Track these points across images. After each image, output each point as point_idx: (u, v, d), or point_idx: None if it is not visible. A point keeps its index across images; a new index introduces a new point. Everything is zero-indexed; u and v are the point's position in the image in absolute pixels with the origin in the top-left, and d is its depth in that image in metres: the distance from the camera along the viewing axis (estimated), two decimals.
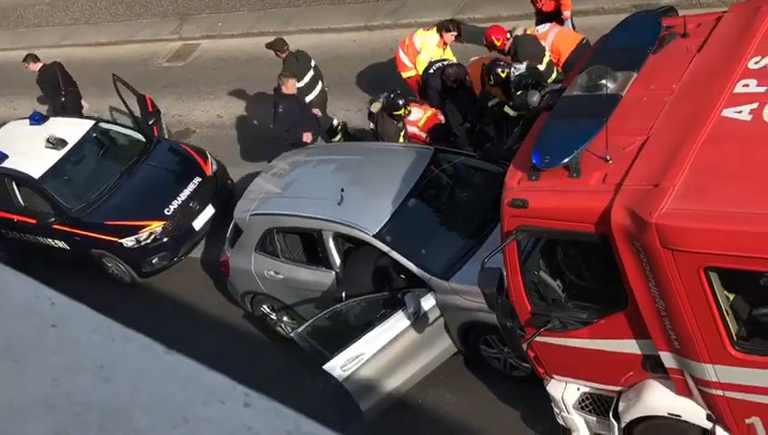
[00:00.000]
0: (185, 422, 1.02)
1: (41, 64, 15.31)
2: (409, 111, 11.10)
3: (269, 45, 13.19)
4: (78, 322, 1.14)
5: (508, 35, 11.11)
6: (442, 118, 11.19)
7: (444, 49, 11.96)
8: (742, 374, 6.00)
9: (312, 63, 12.79)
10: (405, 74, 12.26)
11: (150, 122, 13.92)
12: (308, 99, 12.45)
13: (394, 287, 9.22)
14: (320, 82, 12.76)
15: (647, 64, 6.63)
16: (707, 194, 5.59)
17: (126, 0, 21.33)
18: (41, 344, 1.12)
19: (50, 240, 13.05)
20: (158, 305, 11.99)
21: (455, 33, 11.90)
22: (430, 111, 11.22)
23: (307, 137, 11.78)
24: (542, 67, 10.59)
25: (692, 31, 6.84)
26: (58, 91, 15.11)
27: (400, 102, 10.90)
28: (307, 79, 12.54)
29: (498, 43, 11.08)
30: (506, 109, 10.39)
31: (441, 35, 11.92)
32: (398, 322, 8.83)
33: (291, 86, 11.90)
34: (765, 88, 5.99)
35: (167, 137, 14.20)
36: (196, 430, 1.02)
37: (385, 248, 9.19)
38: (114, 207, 12.62)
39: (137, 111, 14.13)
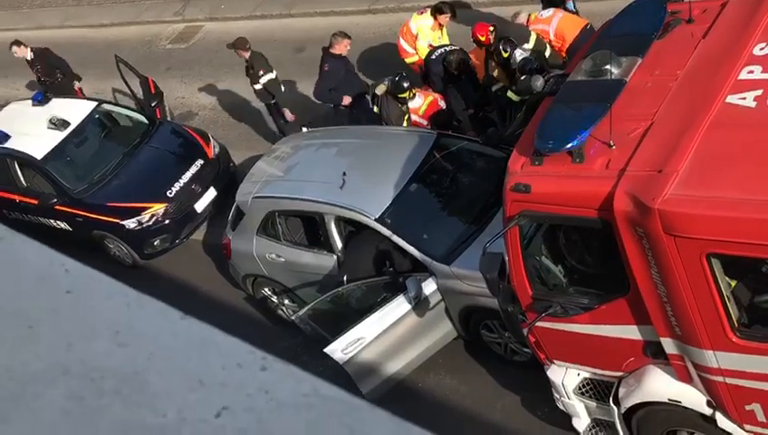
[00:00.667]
0: (201, 386, 1.03)
1: (29, 49, 15.16)
2: (414, 94, 11.06)
3: (230, 45, 13.19)
4: (92, 288, 1.15)
5: (491, 29, 11.13)
6: (443, 104, 11.16)
7: (439, 31, 11.96)
8: (742, 361, 6.01)
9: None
10: (407, 60, 12.27)
11: (153, 104, 13.90)
12: (275, 98, 12.63)
13: (395, 271, 9.23)
14: (281, 86, 12.86)
15: (651, 50, 6.61)
16: (710, 180, 5.59)
17: None
18: (55, 311, 1.12)
19: (52, 221, 13.06)
20: (159, 287, 11.97)
21: (448, 15, 11.91)
22: (430, 97, 11.18)
23: (346, 100, 11.74)
24: (529, 46, 10.57)
25: (697, 17, 6.82)
26: (53, 75, 15.03)
27: (405, 85, 10.85)
28: (268, 77, 12.58)
29: (483, 39, 11.11)
30: (510, 93, 10.37)
31: (435, 18, 11.93)
32: (399, 306, 8.84)
33: (342, 47, 11.75)
34: None
35: (169, 119, 14.19)
36: (213, 393, 1.02)
37: (387, 232, 9.19)
38: (116, 189, 12.63)
39: (139, 93, 14.12)
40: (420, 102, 11.13)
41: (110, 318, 1.11)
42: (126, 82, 14.10)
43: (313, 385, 1.02)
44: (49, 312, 1.12)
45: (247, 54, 12.67)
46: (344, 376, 8.97)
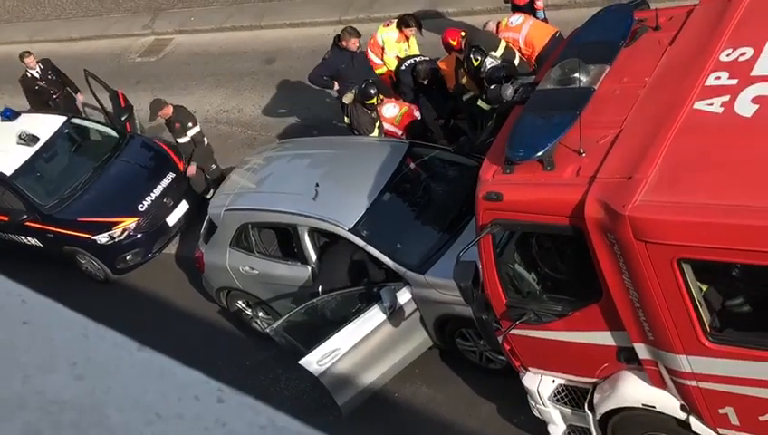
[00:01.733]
0: (158, 419, 1.02)
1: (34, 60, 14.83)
2: (382, 99, 11.10)
3: (152, 114, 13.07)
4: (49, 318, 1.13)
5: (462, 34, 11.16)
6: (418, 114, 11.19)
7: (406, 43, 11.99)
8: (715, 365, 6.04)
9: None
10: (377, 71, 12.29)
11: (123, 118, 13.84)
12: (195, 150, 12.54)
13: (370, 281, 9.23)
14: (205, 138, 12.74)
15: (619, 58, 6.66)
16: (680, 186, 5.62)
17: None
18: (11, 342, 1.11)
19: (23, 237, 12.95)
20: (133, 302, 11.94)
21: (414, 28, 11.92)
22: (405, 108, 11.21)
23: (335, 87, 11.95)
24: (497, 54, 10.59)
25: (664, 24, 6.88)
26: (59, 87, 14.84)
27: (372, 91, 10.89)
28: (195, 130, 12.52)
29: (454, 43, 11.14)
30: (480, 102, 10.41)
31: (401, 30, 11.95)
32: (373, 316, 8.83)
33: (350, 42, 11.72)
34: (737, 80, 6.02)
35: (139, 133, 14.12)
36: (170, 426, 1.01)
37: (360, 243, 9.19)
38: (87, 204, 12.55)
39: (109, 107, 14.04)
40: (395, 112, 11.15)
41: (67, 350, 1.10)
42: (95, 97, 14.02)
43: (270, 417, 1.01)
44: (5, 343, 1.10)
45: (170, 111, 12.53)
46: (320, 388, 8.96)
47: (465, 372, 9.34)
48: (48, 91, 14.76)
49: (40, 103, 14.69)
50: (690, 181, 5.64)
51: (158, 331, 11.37)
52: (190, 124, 12.47)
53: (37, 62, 14.75)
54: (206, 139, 12.75)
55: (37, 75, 14.78)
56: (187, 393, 1.06)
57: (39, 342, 1.09)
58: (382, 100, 11.12)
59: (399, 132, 11.13)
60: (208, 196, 12.17)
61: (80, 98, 14.89)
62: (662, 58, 6.55)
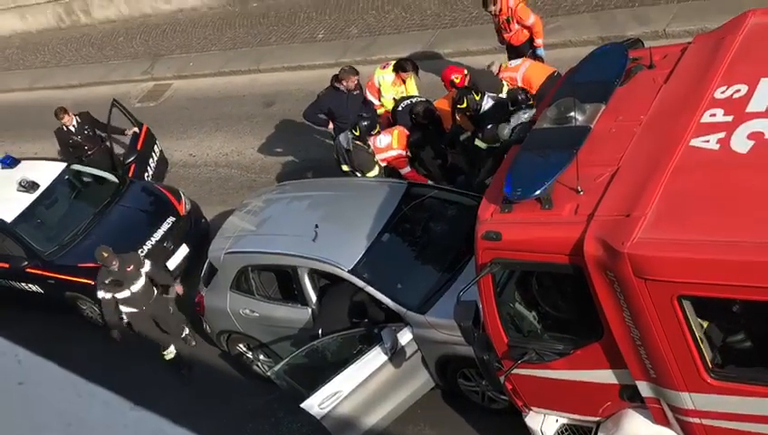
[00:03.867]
0: None
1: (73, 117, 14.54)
2: (378, 132, 11.18)
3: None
4: (44, 379, 1.14)
5: (465, 72, 11.23)
6: (407, 132, 11.30)
7: (402, 85, 12.07)
8: (718, 402, 6.02)
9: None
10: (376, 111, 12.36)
11: (128, 161, 13.91)
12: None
13: (370, 323, 9.20)
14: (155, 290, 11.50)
15: (614, 96, 6.70)
16: (678, 223, 5.64)
17: (97, 42, 21.37)
18: (7, 403, 1.11)
19: (24, 284, 12.93)
20: (133, 346, 11.88)
21: (410, 73, 12.00)
22: (395, 130, 11.32)
23: (330, 126, 12.10)
24: (502, 95, 10.65)
25: (658, 62, 6.93)
26: (94, 142, 14.59)
27: (365, 124, 11.06)
28: (139, 285, 11.13)
29: (457, 81, 11.20)
30: (477, 142, 10.45)
31: (397, 74, 12.04)
32: (375, 357, 8.80)
33: (348, 81, 11.82)
34: (732, 117, 6.06)
35: (149, 175, 14.11)
36: None
37: (360, 284, 9.18)
38: (88, 250, 12.50)
39: (117, 147, 14.04)
40: (389, 139, 11.21)
41: (61, 409, 1.11)
42: (109, 134, 14.06)
43: None
44: (2, 405, 1.10)
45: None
46: (322, 431, 8.90)
47: (467, 413, 9.29)
48: (83, 146, 14.50)
49: (73, 158, 14.35)
50: (688, 218, 5.66)
51: (160, 375, 11.35)
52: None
53: (74, 115, 14.52)
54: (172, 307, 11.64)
55: (73, 129, 14.54)
56: None
57: (34, 402, 1.09)
58: (378, 132, 11.22)
59: (403, 153, 11.18)
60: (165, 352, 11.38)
61: (128, 132, 14.60)
62: (657, 96, 6.60)
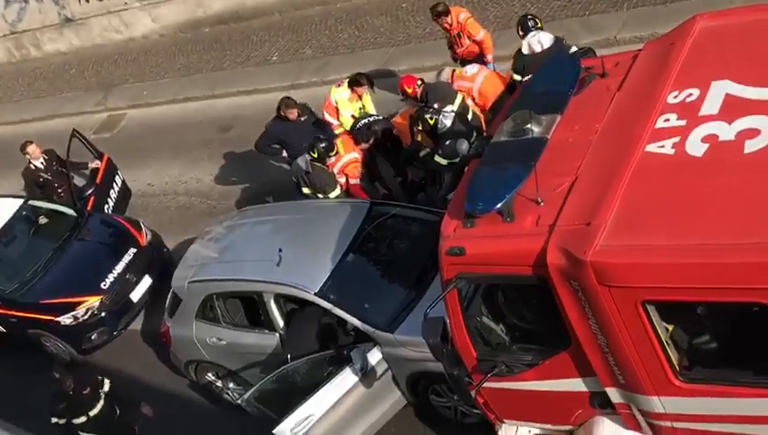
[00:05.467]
0: None
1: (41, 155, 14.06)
2: (336, 152, 11.18)
3: None
4: None
5: (419, 82, 11.26)
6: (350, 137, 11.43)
7: (359, 101, 12.09)
8: (688, 404, 6.06)
9: None
10: (335, 131, 12.35)
11: (87, 193, 13.77)
12: None
13: (339, 344, 9.17)
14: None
15: (570, 106, 6.74)
16: (638, 229, 5.68)
17: (49, 75, 21.18)
18: None
19: None
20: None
21: (365, 86, 12.04)
22: (338, 139, 11.42)
23: (284, 153, 12.14)
24: (454, 107, 10.66)
25: (610, 70, 6.99)
26: (65, 179, 14.10)
27: (322, 145, 11.02)
28: (97, 409, 10.06)
29: (410, 91, 11.23)
30: (437, 158, 10.48)
31: (353, 89, 12.07)
32: (345, 379, 8.78)
33: (289, 113, 11.89)
34: (685, 121, 6.13)
35: (109, 207, 14.00)
36: None
37: (327, 306, 9.15)
38: (49, 285, 12.40)
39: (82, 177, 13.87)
40: (350, 157, 11.24)
41: None
42: (66, 167, 13.87)
43: None
44: None
45: None
46: None
47: (440, 428, 9.28)
48: (53, 184, 14.05)
49: (41, 197, 13.93)
50: (648, 223, 5.70)
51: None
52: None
53: (41, 153, 14.11)
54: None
55: (41, 166, 14.12)
56: None
57: None
58: (336, 152, 11.21)
59: (357, 155, 11.33)
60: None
61: (91, 165, 14.32)
62: (611, 104, 6.66)
